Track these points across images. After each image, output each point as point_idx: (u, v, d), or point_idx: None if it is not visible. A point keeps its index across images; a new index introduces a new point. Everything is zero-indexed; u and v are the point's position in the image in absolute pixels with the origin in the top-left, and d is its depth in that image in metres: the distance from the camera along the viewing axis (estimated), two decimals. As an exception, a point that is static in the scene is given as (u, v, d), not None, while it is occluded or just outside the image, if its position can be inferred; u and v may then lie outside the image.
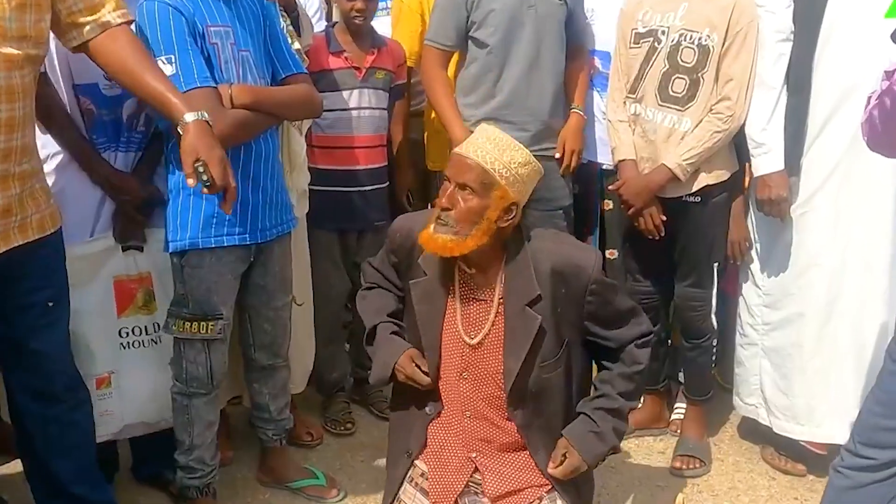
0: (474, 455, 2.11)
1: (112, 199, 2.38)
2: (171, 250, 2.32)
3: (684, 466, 2.89)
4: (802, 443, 2.84)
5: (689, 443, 2.95)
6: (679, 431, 3.05)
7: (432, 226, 1.95)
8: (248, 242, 2.34)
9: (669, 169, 2.68)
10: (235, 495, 2.72)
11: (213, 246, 2.28)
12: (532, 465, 2.11)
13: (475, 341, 2.03)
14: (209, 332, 2.33)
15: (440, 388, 2.11)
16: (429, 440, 2.15)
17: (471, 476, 2.10)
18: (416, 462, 2.16)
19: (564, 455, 2.01)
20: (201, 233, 2.27)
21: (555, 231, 2.34)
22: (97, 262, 2.39)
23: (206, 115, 2.01)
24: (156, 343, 2.50)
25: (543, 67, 2.85)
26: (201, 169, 1.95)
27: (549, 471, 2.01)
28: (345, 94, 2.93)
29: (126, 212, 2.40)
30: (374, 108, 2.98)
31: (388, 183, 3.11)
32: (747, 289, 2.90)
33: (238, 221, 2.31)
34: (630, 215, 2.80)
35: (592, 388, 2.13)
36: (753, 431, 3.03)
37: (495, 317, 2.02)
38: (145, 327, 2.49)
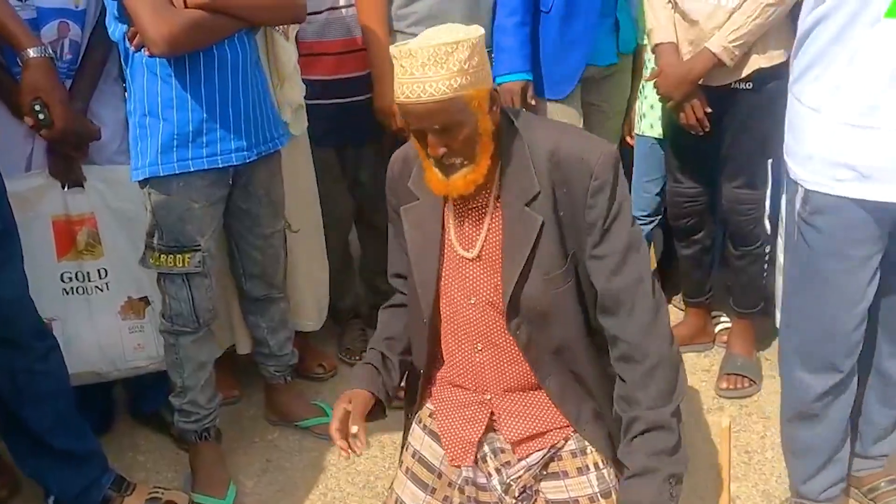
0: (489, 397, 1.86)
1: (40, 134, 2.13)
2: (133, 179, 2.09)
3: (732, 386, 2.65)
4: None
5: (738, 360, 2.69)
6: (726, 345, 2.78)
7: (437, 171, 1.64)
8: (219, 165, 2.08)
9: (713, 53, 2.32)
10: (241, 436, 2.57)
11: (178, 172, 2.04)
12: (552, 403, 1.86)
13: (473, 254, 1.75)
14: (186, 264, 2.12)
15: (445, 325, 1.84)
16: (437, 384, 1.91)
17: (487, 421, 1.85)
18: (426, 402, 1.93)
19: None
20: (161, 157, 2.03)
21: (562, 122, 2.01)
22: (32, 200, 2.18)
23: (49, 51, 1.98)
24: (102, 290, 2.30)
25: None
26: (38, 107, 1.94)
27: None
28: (335, -8, 2.60)
29: (58, 149, 2.17)
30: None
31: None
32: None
33: (205, 141, 2.04)
34: (670, 108, 2.46)
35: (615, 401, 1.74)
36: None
37: (491, 221, 1.74)
38: (88, 273, 2.29)
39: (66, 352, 2.22)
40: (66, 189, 2.21)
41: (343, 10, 2.61)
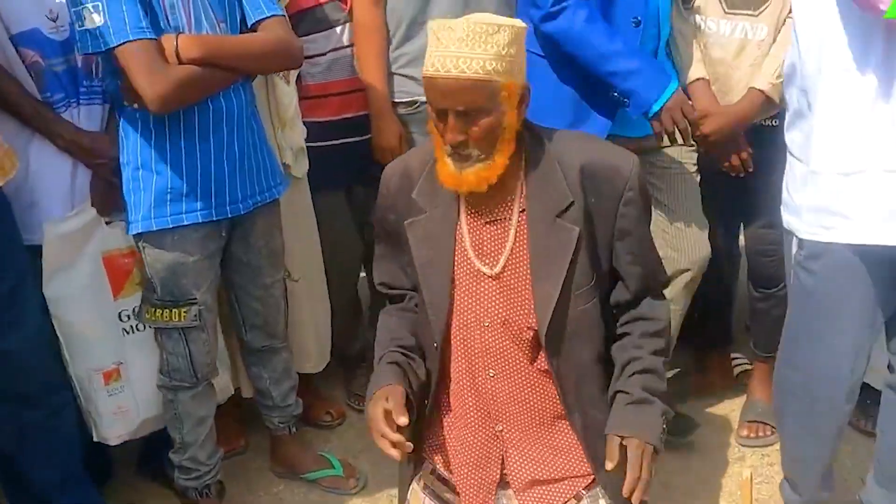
0: (500, 428, 1.75)
1: (85, 164, 2.10)
2: (127, 232, 2.06)
3: (753, 434, 2.54)
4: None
5: (758, 406, 2.58)
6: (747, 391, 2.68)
7: (450, 162, 1.57)
8: (213, 218, 2.03)
9: (762, 92, 2.25)
10: (247, 489, 2.50)
11: (172, 226, 1.99)
12: (570, 447, 1.75)
13: (496, 270, 1.66)
14: (182, 318, 2.07)
15: (455, 348, 1.74)
16: (444, 419, 1.79)
17: (501, 459, 1.75)
18: (427, 457, 1.82)
19: (623, 451, 1.59)
20: (154, 211, 1.99)
21: (582, 132, 1.94)
22: (80, 239, 2.11)
23: None
24: None
25: None
26: None
27: (609, 468, 1.58)
28: (336, 31, 2.55)
29: (104, 177, 2.11)
30: (370, 42, 2.59)
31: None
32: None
33: (199, 195, 2.00)
34: (718, 157, 2.34)
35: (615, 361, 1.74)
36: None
37: (516, 236, 1.65)
38: None
39: (134, 397, 2.21)
40: (108, 224, 2.14)
41: (347, 50, 2.58)
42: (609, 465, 1.55)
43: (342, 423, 2.78)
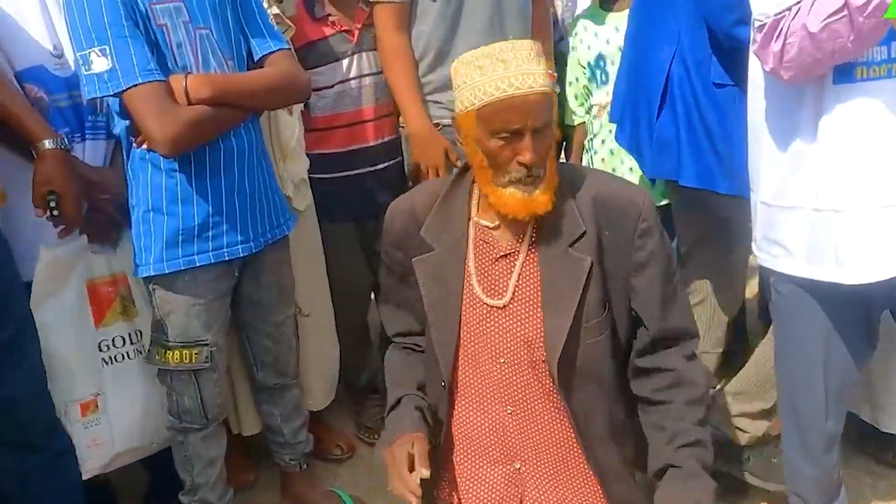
0: (518, 466, 1.72)
1: (87, 199, 2.05)
2: (136, 275, 2.01)
3: (769, 462, 2.48)
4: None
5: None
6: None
7: (516, 190, 1.56)
8: (225, 259, 2.00)
9: None
10: (257, 526, 2.46)
11: (184, 268, 1.95)
12: (589, 487, 1.72)
13: (503, 301, 1.64)
14: (194, 360, 2.03)
15: (469, 387, 1.73)
16: (457, 456, 1.77)
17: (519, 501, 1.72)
18: (444, 480, 1.78)
19: None
20: (166, 254, 1.94)
21: (594, 168, 1.94)
22: (69, 265, 2.06)
23: (65, 142, 1.91)
24: (141, 353, 2.18)
25: (507, 12, 2.47)
26: (52, 202, 1.89)
27: None
28: (343, 63, 2.53)
29: (104, 211, 2.08)
30: (376, 74, 2.57)
31: (401, 157, 2.69)
32: None
33: (211, 236, 1.96)
34: None
35: (649, 428, 1.69)
36: (853, 419, 2.57)
37: (524, 266, 1.64)
38: (129, 335, 2.16)
39: (111, 430, 2.15)
40: (91, 252, 2.10)
41: (352, 82, 2.56)
42: None
43: (352, 456, 2.74)
